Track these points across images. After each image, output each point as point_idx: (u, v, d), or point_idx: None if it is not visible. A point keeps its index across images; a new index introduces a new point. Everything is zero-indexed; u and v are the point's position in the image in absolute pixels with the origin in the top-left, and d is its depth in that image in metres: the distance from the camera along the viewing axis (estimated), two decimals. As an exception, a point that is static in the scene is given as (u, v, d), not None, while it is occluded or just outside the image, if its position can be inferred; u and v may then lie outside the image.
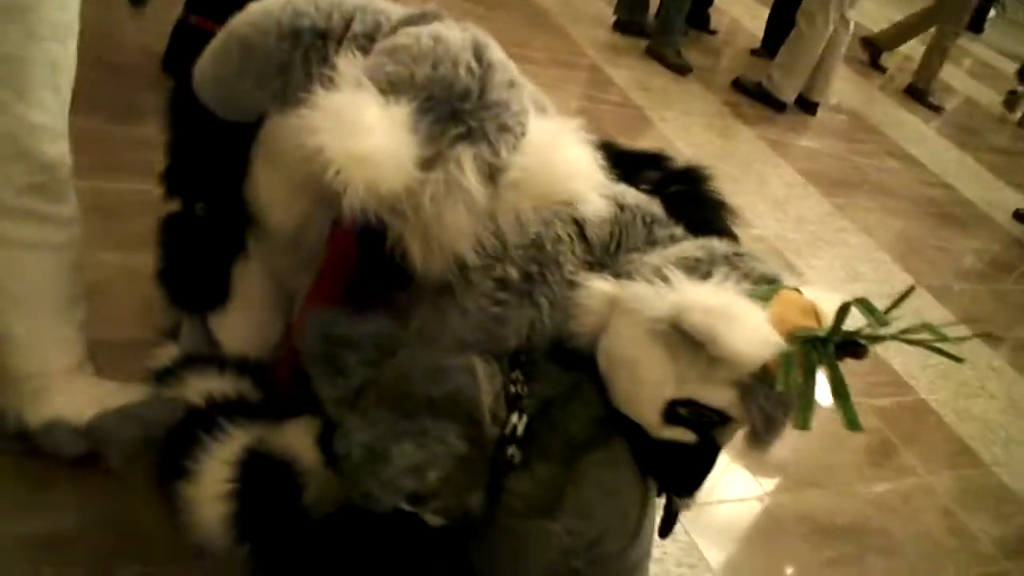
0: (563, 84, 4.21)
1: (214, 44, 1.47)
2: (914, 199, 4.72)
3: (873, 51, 6.94)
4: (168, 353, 1.71)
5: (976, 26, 9.59)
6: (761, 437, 1.22)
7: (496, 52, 1.26)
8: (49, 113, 1.38)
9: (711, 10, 5.89)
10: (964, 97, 7.67)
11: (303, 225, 1.49)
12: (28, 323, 1.50)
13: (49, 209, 1.44)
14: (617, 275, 1.28)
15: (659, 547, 1.94)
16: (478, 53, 1.22)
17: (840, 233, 3.93)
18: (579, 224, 1.30)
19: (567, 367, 1.31)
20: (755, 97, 5.02)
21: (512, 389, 1.25)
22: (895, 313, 1.14)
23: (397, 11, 1.37)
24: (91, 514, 1.56)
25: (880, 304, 1.14)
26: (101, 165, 2.16)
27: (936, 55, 6.52)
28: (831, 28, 4.79)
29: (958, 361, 1.20)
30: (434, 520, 1.25)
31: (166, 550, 1.54)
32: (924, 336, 1.17)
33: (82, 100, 1.47)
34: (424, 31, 1.23)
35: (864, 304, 1.15)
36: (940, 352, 1.17)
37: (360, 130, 1.09)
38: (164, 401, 1.56)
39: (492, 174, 1.20)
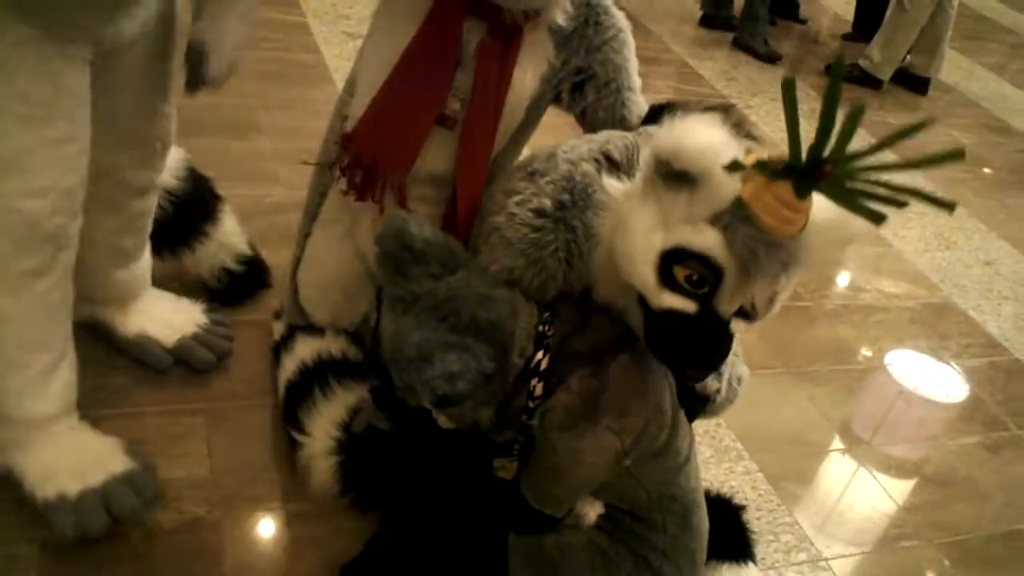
0: (650, 79, 4.31)
1: None
2: (1013, 169, 4.61)
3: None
4: (279, 328, 1.99)
5: None
6: (749, 271, 1.20)
7: None
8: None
9: (800, -1, 5.92)
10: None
11: None
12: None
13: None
14: None
15: (739, 493, 2.07)
16: None
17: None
18: (605, 155, 1.44)
19: (583, 312, 1.44)
20: (849, 80, 5.03)
21: (541, 328, 1.38)
22: None
23: None
24: (220, 461, 1.78)
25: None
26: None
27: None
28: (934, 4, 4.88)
29: (949, 209, 1.00)
30: (445, 423, 1.42)
31: (288, 491, 1.74)
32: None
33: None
34: None
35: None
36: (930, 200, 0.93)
37: None
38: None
39: None
